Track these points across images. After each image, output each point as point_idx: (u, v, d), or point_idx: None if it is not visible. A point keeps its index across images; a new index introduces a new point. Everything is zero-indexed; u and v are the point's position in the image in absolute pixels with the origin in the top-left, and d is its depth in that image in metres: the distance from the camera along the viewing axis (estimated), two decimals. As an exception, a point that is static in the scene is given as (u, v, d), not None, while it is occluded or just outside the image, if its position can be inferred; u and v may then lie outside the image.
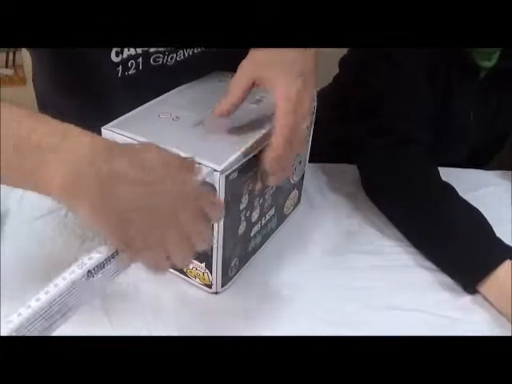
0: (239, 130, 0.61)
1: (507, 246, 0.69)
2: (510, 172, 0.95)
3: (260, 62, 0.60)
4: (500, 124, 0.97)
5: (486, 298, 0.67)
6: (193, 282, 0.66)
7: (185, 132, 0.60)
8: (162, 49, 0.71)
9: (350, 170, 0.88)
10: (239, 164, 0.57)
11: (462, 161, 0.98)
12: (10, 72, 0.81)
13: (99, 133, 0.61)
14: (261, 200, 0.66)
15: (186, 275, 0.66)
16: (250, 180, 0.61)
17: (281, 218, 0.76)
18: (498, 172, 0.96)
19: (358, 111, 0.85)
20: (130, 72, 0.71)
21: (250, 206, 0.64)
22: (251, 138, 0.59)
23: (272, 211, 0.72)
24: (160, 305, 0.64)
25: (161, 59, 0.72)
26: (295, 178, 0.76)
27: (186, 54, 0.74)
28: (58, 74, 0.74)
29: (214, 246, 0.60)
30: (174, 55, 0.73)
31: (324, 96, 0.95)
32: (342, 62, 0.97)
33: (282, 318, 0.64)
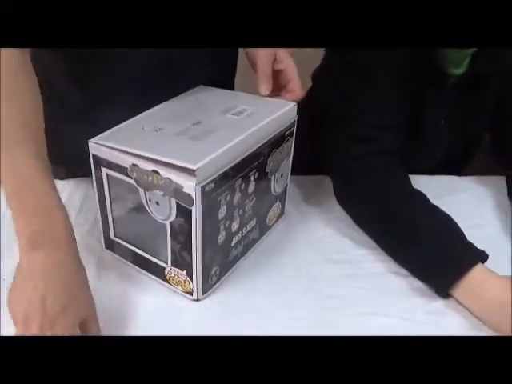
0: (219, 140, 0.64)
1: (478, 250, 0.70)
2: (484, 177, 0.98)
3: None
4: (472, 129, 1.00)
5: (458, 302, 0.70)
6: (175, 289, 0.69)
7: (166, 141, 0.64)
8: None
9: (324, 182, 0.89)
10: (215, 176, 0.60)
11: (437, 167, 0.99)
12: None
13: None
14: (240, 211, 0.69)
15: (168, 283, 0.69)
16: (228, 191, 0.64)
17: (263, 228, 0.79)
18: (472, 177, 0.99)
19: (328, 122, 0.87)
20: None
21: (230, 217, 0.67)
22: (229, 150, 0.62)
23: (253, 222, 0.75)
24: (140, 310, 0.67)
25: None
26: (277, 190, 0.79)
27: None
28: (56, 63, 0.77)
29: (193, 253, 0.63)
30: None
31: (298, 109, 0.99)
32: (315, 75, 1.00)
33: (261, 325, 0.66)
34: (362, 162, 0.81)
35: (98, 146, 0.64)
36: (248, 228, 0.74)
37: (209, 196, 0.60)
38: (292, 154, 0.79)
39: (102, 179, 0.67)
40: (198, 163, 0.57)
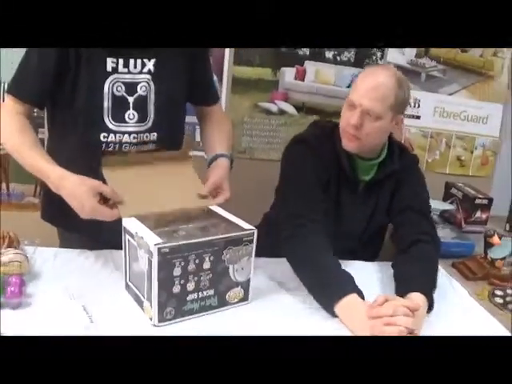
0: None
1: (357, 287, 1.18)
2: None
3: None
4: (378, 219, 1.49)
5: (339, 318, 1.15)
6: (145, 314, 1.10)
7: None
8: (133, 140, 1.30)
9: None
10: (171, 244, 1.04)
11: (356, 248, 1.49)
12: (36, 200, 1.39)
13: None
14: (195, 278, 1.10)
15: (143, 311, 1.11)
16: (181, 259, 1.06)
17: (222, 302, 1.16)
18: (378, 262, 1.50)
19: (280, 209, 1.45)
20: (109, 149, 1.30)
21: (185, 278, 1.08)
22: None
23: (211, 292, 1.13)
24: (112, 325, 1.09)
25: (127, 147, 1.31)
26: (238, 279, 1.17)
27: (147, 149, 1.33)
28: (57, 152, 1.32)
29: (153, 291, 1.05)
30: (135, 147, 1.32)
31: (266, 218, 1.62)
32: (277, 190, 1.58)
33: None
34: (289, 234, 1.33)
35: (126, 221, 1.14)
36: (205, 294, 1.12)
37: (164, 256, 1.03)
38: (253, 257, 1.18)
39: (125, 242, 1.15)
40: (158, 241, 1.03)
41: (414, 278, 1.26)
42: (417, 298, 1.19)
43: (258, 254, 1.20)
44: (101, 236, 1.30)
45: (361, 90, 1.33)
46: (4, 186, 2.19)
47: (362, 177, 1.45)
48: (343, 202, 1.44)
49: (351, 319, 1.14)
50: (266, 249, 1.27)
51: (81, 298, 1.15)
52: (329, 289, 1.19)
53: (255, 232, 1.16)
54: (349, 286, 1.19)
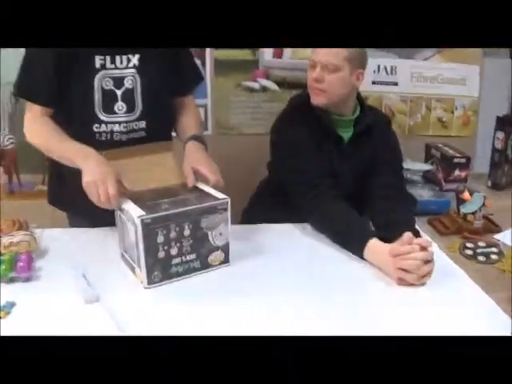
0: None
1: (374, 232, 1.45)
2: None
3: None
4: (362, 173, 1.67)
5: (367, 260, 1.37)
6: (137, 279, 1.27)
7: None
8: (124, 129, 1.45)
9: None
10: (152, 215, 1.19)
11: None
12: (44, 188, 1.54)
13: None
14: (178, 244, 1.25)
15: (135, 275, 1.27)
16: (163, 227, 1.21)
17: (205, 264, 1.32)
18: None
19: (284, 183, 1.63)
20: (102, 139, 1.46)
21: (167, 244, 1.24)
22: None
23: (193, 256, 1.29)
24: (121, 284, 1.25)
25: (118, 136, 1.46)
26: (217, 243, 1.32)
27: (138, 136, 1.48)
28: None
29: (141, 257, 1.21)
30: (126, 135, 1.47)
31: (261, 187, 1.77)
32: (269, 165, 1.77)
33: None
34: (310, 200, 1.53)
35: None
36: (187, 258, 1.28)
37: (147, 226, 1.19)
38: (229, 223, 1.32)
39: (118, 217, 1.31)
40: (141, 213, 1.18)
41: (402, 221, 1.48)
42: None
43: (252, 217, 1.50)
44: (103, 216, 1.43)
45: (318, 50, 1.57)
46: (15, 177, 2.36)
47: (342, 134, 1.65)
48: (333, 159, 1.63)
49: (377, 259, 1.35)
50: (260, 212, 1.56)
51: (82, 268, 1.32)
52: (355, 237, 1.42)
53: (228, 201, 1.31)
54: (369, 232, 1.44)
